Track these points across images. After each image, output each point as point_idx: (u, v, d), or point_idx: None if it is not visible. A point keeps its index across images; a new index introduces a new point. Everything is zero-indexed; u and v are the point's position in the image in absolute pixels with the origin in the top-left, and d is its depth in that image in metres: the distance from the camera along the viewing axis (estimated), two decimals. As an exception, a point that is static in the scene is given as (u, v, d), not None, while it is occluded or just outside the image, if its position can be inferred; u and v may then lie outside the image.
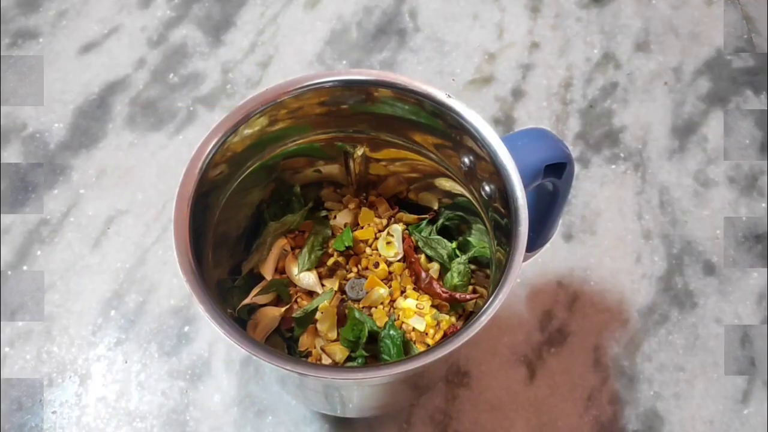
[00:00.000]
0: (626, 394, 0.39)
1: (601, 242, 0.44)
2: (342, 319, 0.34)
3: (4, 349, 0.40)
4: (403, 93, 0.31)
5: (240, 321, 0.33)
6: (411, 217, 0.37)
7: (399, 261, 0.35)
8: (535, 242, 0.35)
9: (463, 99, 0.30)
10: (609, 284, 0.43)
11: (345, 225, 0.36)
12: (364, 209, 0.36)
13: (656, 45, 0.53)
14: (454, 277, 0.34)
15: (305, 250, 0.35)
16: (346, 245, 0.35)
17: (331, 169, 0.36)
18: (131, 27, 0.52)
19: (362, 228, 0.36)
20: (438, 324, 0.33)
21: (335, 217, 0.36)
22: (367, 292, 0.34)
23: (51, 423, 0.38)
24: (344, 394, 0.31)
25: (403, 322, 0.33)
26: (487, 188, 0.31)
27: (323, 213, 0.36)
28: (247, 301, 0.33)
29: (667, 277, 0.43)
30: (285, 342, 0.34)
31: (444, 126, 0.31)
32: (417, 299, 0.34)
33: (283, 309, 0.34)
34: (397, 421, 0.38)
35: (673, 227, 0.45)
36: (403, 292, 0.35)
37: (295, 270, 0.34)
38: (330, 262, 0.35)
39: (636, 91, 0.51)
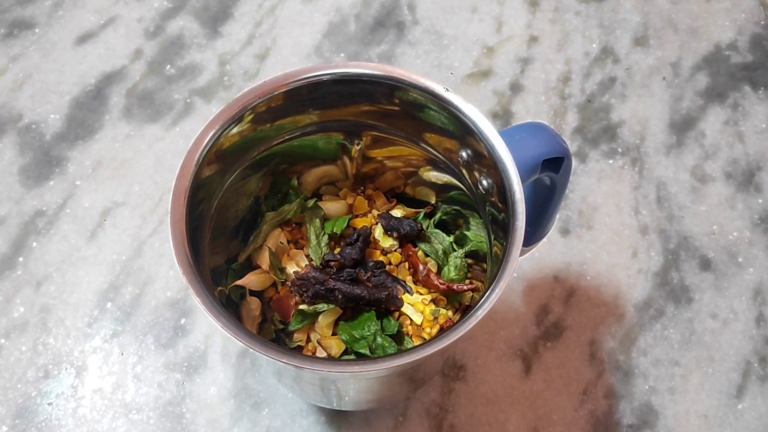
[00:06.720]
0: (621, 389, 0.40)
1: (598, 237, 0.44)
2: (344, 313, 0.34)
3: (0, 340, 0.40)
4: (402, 86, 0.30)
5: (231, 303, 0.33)
6: (408, 211, 0.37)
7: (396, 251, 0.35)
8: (532, 237, 0.35)
9: (461, 93, 0.30)
10: (605, 279, 0.43)
11: (340, 213, 0.36)
12: (359, 198, 0.36)
13: (655, 40, 0.53)
14: (450, 271, 0.34)
15: (311, 236, 0.34)
16: (335, 230, 0.35)
17: (329, 163, 0.36)
18: (128, 18, 0.52)
19: (358, 217, 0.36)
20: (435, 318, 0.33)
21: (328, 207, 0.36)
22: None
23: (47, 414, 0.38)
24: (340, 387, 0.31)
25: (400, 314, 0.33)
26: (484, 182, 0.31)
27: (313, 201, 0.36)
28: (239, 282, 0.33)
29: (663, 273, 0.43)
30: (276, 333, 0.34)
31: (442, 120, 0.31)
32: (415, 291, 0.34)
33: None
34: (393, 414, 0.38)
35: (669, 222, 0.45)
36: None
37: (293, 267, 0.34)
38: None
39: (634, 86, 0.51)
